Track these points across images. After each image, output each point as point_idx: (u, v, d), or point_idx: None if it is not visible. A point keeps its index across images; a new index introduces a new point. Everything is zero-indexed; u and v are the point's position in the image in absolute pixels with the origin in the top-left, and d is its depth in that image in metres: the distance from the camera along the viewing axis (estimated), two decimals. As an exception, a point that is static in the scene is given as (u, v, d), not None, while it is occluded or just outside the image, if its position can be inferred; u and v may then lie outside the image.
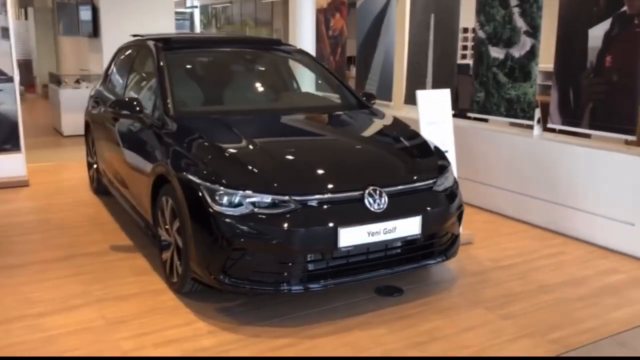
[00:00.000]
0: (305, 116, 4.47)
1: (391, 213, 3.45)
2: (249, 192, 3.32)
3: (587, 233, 4.85)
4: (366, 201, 3.42)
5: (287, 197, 3.31)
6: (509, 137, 5.57)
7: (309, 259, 3.36)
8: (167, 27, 9.79)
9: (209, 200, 3.35)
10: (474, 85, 5.93)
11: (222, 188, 3.35)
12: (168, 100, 4.17)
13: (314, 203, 3.35)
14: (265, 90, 5.05)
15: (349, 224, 3.33)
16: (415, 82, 6.69)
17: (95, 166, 5.98)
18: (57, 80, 10.25)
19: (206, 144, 3.74)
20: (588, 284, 4.03)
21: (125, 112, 4.21)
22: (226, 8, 22.19)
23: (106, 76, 5.95)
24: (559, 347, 3.23)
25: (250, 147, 3.73)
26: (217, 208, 3.32)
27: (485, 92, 5.81)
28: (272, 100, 4.88)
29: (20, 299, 3.74)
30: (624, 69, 4.63)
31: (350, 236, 3.33)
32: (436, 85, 6.41)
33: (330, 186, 3.43)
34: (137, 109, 4.19)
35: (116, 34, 9.38)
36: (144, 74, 4.98)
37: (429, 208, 3.61)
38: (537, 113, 5.39)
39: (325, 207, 3.36)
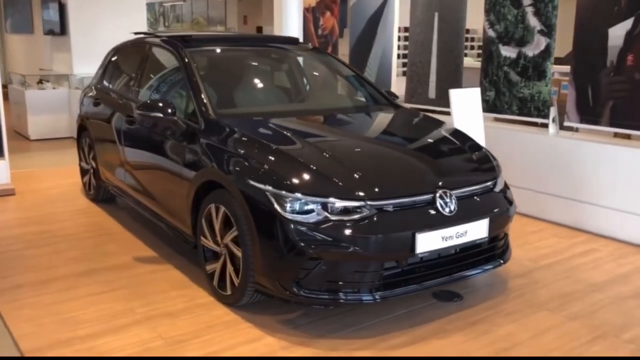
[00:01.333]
0: (347, 116, 4.32)
1: (461, 216, 3.36)
2: (321, 198, 3.14)
3: (609, 229, 4.91)
4: (438, 204, 3.31)
5: (363, 203, 3.15)
6: (529, 135, 5.58)
7: (385, 267, 3.21)
8: (139, 24, 9.38)
9: (277, 207, 3.15)
10: (483, 84, 5.92)
11: (292, 194, 3.16)
12: (205, 102, 3.93)
13: (389, 208, 3.21)
14: (297, 90, 4.86)
15: (425, 229, 3.21)
16: (418, 81, 6.64)
17: (92, 172, 5.61)
18: (20, 80, 9.63)
19: (263, 147, 3.52)
20: (634, 281, 4.06)
21: (157, 114, 3.93)
22: (175, 6, 21.61)
23: (103, 76, 5.60)
24: (637, 347, 3.22)
25: (310, 150, 3.55)
26: (288, 215, 3.13)
27: (495, 91, 5.82)
28: (308, 100, 4.70)
29: (60, 319, 3.42)
30: (647, 67, 4.71)
31: (426, 241, 3.21)
32: (441, 84, 6.38)
33: (402, 190, 3.30)
34: (171, 110, 3.93)
35: (87, 32, 9.00)
36: (161, 74, 4.69)
37: (494, 210, 3.54)
38: (552, 111, 5.44)
39: (399, 212, 3.23)
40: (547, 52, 5.40)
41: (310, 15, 7.99)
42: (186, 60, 4.23)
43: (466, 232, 3.36)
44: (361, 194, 3.19)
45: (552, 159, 5.35)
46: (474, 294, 3.80)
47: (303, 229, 3.10)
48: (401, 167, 3.55)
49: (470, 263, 3.53)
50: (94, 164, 5.54)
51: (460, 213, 3.36)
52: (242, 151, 3.49)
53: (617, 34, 4.87)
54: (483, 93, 5.93)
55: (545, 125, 5.53)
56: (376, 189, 3.24)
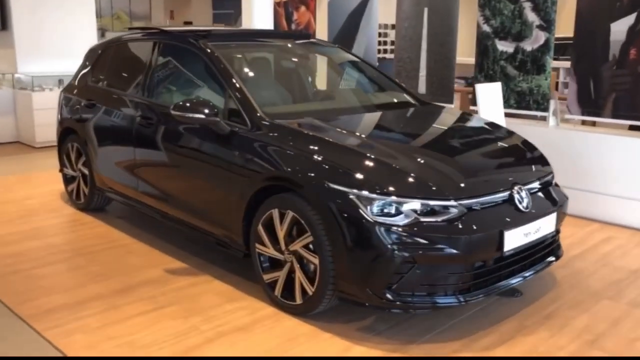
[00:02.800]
0: (397, 114, 4.22)
1: (535, 212, 3.36)
2: (412, 199, 3.03)
3: (619, 217, 5.10)
4: (516, 200, 3.29)
5: (454, 203, 3.07)
6: (530, 128, 5.67)
7: (476, 267, 3.15)
8: (87, 19, 8.80)
9: (365, 210, 3.01)
10: (478, 79, 6.00)
11: (380, 196, 3.03)
12: (251, 102, 3.70)
13: (477, 207, 3.15)
14: (331, 87, 4.67)
15: (511, 226, 3.18)
16: (406, 76, 6.63)
17: (80, 179, 5.18)
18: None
19: (337, 147, 3.36)
20: (667, 266, 4.25)
21: (197, 115, 3.65)
22: None
23: (91, 75, 5.17)
24: None
25: (385, 149, 3.41)
26: (376, 219, 3.00)
27: (491, 86, 5.90)
28: (346, 98, 4.53)
29: (121, 344, 3.11)
30: (650, 60, 4.93)
31: (513, 239, 3.18)
32: (431, 79, 6.41)
33: (485, 188, 3.25)
34: (213, 111, 3.66)
35: (32, 27, 8.34)
36: (181, 72, 4.39)
37: (559, 204, 3.57)
38: (552, 104, 5.59)
39: (486, 210, 3.18)
40: (546, 46, 5.53)
41: (282, 10, 7.79)
42: (217, 58, 3.96)
43: (540, 228, 3.36)
44: (451, 193, 3.10)
45: (554, 150, 5.48)
46: (530, 288, 3.82)
47: (395, 232, 2.98)
48: (475, 165, 3.50)
49: (538, 258, 3.54)
50: (85, 171, 5.11)
51: (534, 209, 3.36)
52: (315, 152, 3.31)
53: (620, 28, 5.06)
54: (478, 87, 6.00)
55: (544, 119, 5.68)
56: (463, 188, 3.17)
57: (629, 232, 4.92)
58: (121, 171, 4.62)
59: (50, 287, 3.79)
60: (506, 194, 3.29)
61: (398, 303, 3.03)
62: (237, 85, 3.79)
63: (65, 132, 5.34)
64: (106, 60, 5.11)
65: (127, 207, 4.96)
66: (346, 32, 7.10)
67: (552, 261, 3.63)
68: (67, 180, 5.46)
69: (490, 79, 5.90)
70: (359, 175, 3.12)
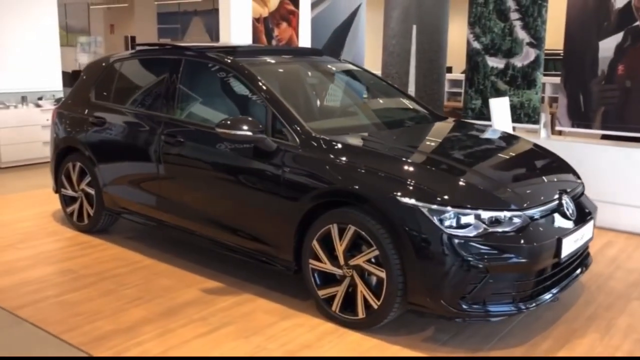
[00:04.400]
0: (427, 127, 4.35)
1: (579, 219, 3.55)
2: (484, 210, 3.15)
3: (613, 222, 5.42)
4: (565, 208, 3.46)
5: (519, 213, 3.21)
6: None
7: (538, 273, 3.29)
8: (50, 31, 8.46)
9: (438, 223, 3.10)
10: (468, 94, 6.24)
11: (453, 209, 3.12)
12: (297, 117, 3.72)
13: (537, 215, 3.30)
14: (359, 102, 4.72)
15: (566, 234, 3.35)
16: (395, 91, 6.79)
17: (83, 200, 4.99)
18: None
19: (397, 161, 3.44)
20: (670, 266, 4.56)
21: (244, 133, 3.62)
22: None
23: (93, 92, 5.01)
24: None
25: (443, 162, 3.52)
26: (450, 231, 3.09)
27: (482, 100, 6.15)
28: (378, 112, 4.59)
29: (196, 368, 3.04)
30: (637, 75, 5.30)
31: (567, 246, 3.35)
32: (420, 94, 6.60)
33: (541, 197, 3.41)
34: (261, 127, 3.66)
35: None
36: (210, 89, 4.34)
37: (593, 211, 3.78)
38: (543, 117, 5.89)
39: (543, 219, 3.33)
40: (536, 62, 5.84)
41: (262, 26, 7.77)
42: (253, 75, 3.96)
43: (584, 235, 3.56)
44: (515, 204, 3.24)
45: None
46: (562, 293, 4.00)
47: (468, 243, 3.08)
48: (524, 175, 3.66)
49: (578, 264, 3.73)
50: (89, 191, 4.93)
51: (577, 216, 3.55)
52: (377, 167, 3.36)
53: (608, 46, 5.42)
54: (469, 102, 6.25)
55: (535, 131, 5.97)
56: (524, 199, 3.31)
57: (624, 236, 5.23)
58: (140, 190, 4.49)
59: (90, 313, 3.63)
60: (556, 203, 3.46)
61: (474, 313, 3.12)
62: (280, 102, 3.80)
63: (64, 151, 5.12)
64: (113, 76, 4.96)
65: (134, 227, 4.80)
66: (331, 49, 7.20)
67: (588, 266, 3.84)
68: (67, 201, 5.23)
69: (481, 93, 6.15)
70: (429, 189, 3.20)
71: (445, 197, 3.16)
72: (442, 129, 4.40)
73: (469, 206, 3.15)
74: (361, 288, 3.36)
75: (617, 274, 4.38)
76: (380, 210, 3.23)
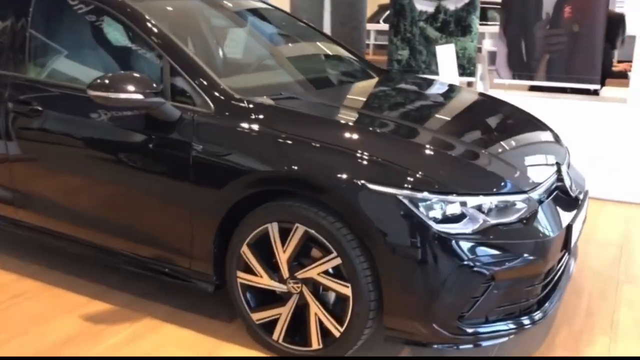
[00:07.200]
0: (373, 82, 3.39)
1: (579, 195, 2.81)
2: (485, 195, 2.28)
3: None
4: (566, 184, 2.70)
5: (525, 195, 2.38)
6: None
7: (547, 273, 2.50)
8: None
9: (425, 217, 2.20)
10: (394, 43, 5.38)
11: (442, 195, 2.23)
12: (210, 75, 2.64)
13: (543, 197, 2.49)
14: (280, 52, 3.61)
15: (574, 217, 2.59)
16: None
17: None
18: None
19: (361, 133, 2.48)
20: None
21: (133, 96, 2.50)
22: None
23: None
24: None
25: (415, 131, 2.61)
26: (438, 227, 2.20)
27: (410, 50, 5.32)
28: (314, 65, 3.56)
29: None
30: (585, 18, 4.66)
31: (575, 232, 2.60)
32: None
33: (542, 173, 2.60)
34: (154, 89, 2.54)
35: None
36: (78, 35, 3.13)
37: (585, 187, 3.04)
38: (480, 68, 5.17)
39: (549, 200, 2.54)
40: (472, 4, 5.06)
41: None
42: (139, 14, 2.81)
43: (586, 215, 2.83)
44: (519, 184, 2.41)
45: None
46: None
47: (465, 242, 2.22)
48: (519, 148, 2.80)
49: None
50: None
51: (577, 191, 2.82)
52: (334, 142, 2.39)
53: (553, -15, 4.74)
54: (394, 52, 5.40)
55: (470, 85, 5.25)
56: (526, 176, 2.49)
57: (603, 204, 4.62)
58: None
59: None
60: (555, 177, 2.68)
61: (477, 336, 2.29)
62: (183, 51, 2.70)
63: None
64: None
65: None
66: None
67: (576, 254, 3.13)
68: None
69: (407, 42, 5.30)
70: (411, 171, 2.28)
71: (434, 180, 2.26)
72: (394, 84, 3.50)
73: (465, 191, 2.27)
74: (315, 309, 2.42)
75: (590, 249, 3.75)
76: (341, 201, 2.28)
